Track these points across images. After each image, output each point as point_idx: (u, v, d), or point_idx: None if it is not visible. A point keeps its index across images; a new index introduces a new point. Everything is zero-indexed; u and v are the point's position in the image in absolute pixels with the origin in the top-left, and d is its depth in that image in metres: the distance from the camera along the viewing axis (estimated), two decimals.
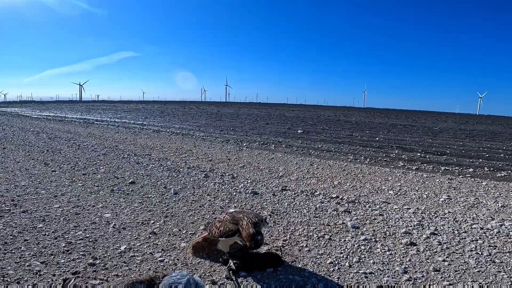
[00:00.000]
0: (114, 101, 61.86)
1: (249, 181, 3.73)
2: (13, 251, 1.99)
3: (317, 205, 2.99)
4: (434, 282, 1.82)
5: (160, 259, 2.01)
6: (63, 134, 6.30)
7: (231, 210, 2.22)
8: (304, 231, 2.47)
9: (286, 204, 3.04)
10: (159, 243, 2.24)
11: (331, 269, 1.97)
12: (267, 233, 2.45)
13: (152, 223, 2.56)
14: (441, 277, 1.86)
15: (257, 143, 5.73)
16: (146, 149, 4.95)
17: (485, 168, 4.73)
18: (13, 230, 2.29)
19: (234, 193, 3.32)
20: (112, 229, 2.41)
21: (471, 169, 4.62)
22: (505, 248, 2.18)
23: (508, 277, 1.83)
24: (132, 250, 2.11)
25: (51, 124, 10.94)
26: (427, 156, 5.48)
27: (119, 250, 2.09)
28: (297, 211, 2.86)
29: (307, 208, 2.94)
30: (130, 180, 3.64)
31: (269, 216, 2.74)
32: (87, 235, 2.29)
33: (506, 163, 5.16)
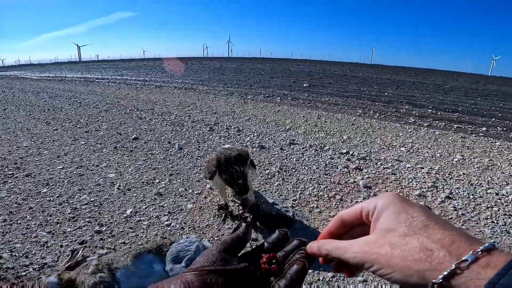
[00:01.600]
0: (114, 60, 58.68)
1: (255, 134, 3.48)
2: (19, 222, 1.85)
3: (327, 161, 2.76)
4: None
5: (166, 223, 1.86)
6: (63, 93, 5.87)
7: (224, 147, 1.99)
8: (314, 190, 2.27)
9: (294, 159, 2.81)
10: (165, 205, 2.08)
11: None
12: (276, 191, 2.24)
13: (157, 183, 2.38)
14: None
15: (262, 95, 5.34)
16: (149, 103, 4.62)
17: (498, 128, 4.40)
18: (18, 197, 2.13)
19: (240, 147, 3.06)
20: (117, 191, 2.24)
21: (484, 128, 4.29)
22: None
23: None
24: (138, 213, 1.97)
25: (51, 84, 10.21)
26: (439, 113, 5.11)
27: (125, 215, 1.94)
28: (306, 168, 2.64)
29: (316, 164, 2.71)
30: (133, 136, 3.40)
31: (277, 173, 2.53)
32: (92, 199, 2.13)
33: None
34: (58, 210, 1.97)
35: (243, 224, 0.44)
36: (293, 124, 3.94)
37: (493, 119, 4.99)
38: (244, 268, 0.38)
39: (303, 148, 3.09)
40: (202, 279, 0.37)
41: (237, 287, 0.37)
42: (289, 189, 2.28)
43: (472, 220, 1.95)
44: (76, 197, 2.16)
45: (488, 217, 1.99)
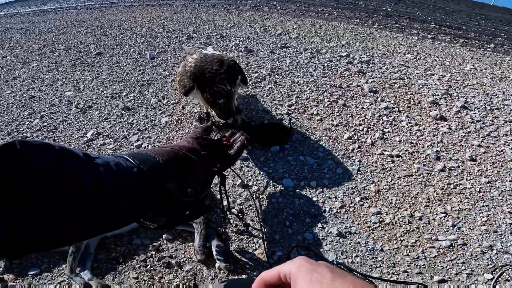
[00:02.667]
0: None
1: (241, 39, 2.83)
2: None
3: (325, 64, 2.25)
4: (471, 177, 1.34)
5: (136, 144, 1.45)
6: (14, 25, 4.56)
7: (205, 52, 1.43)
8: (313, 93, 1.82)
9: (287, 62, 2.28)
10: (135, 121, 1.62)
11: (350, 148, 1.44)
12: (267, 96, 1.78)
13: (125, 96, 1.86)
14: (478, 171, 1.38)
15: (248, 5, 4.43)
16: (116, 22, 3.64)
17: (505, 46, 3.92)
18: None
19: (224, 52, 2.49)
20: (75, 110, 1.74)
21: (492, 45, 3.81)
22: None
23: None
24: (101, 135, 1.53)
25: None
26: (442, 29, 4.50)
27: (86, 138, 1.50)
28: (302, 70, 2.14)
29: (313, 66, 2.20)
30: (96, 52, 2.64)
31: (268, 75, 2.02)
32: (45, 123, 1.66)
33: None
34: (7, 142, 1.44)
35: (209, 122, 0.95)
36: (284, 30, 3.26)
37: (500, 38, 4.46)
38: (219, 138, 0.79)
39: (296, 51, 2.52)
40: (197, 142, 0.68)
41: (215, 148, 0.72)
42: (283, 92, 1.81)
43: (491, 136, 1.61)
44: (27, 123, 1.67)
45: (508, 133, 1.65)
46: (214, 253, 0.96)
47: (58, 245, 0.38)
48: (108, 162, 0.45)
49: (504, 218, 1.16)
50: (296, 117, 1.60)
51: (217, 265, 0.95)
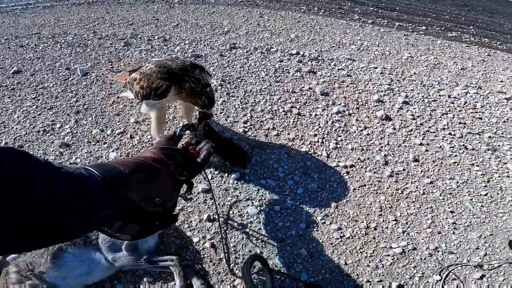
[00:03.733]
0: None
1: (187, 41, 2.59)
2: None
3: (276, 65, 2.20)
4: (415, 179, 1.45)
5: None
6: None
7: (155, 60, 1.31)
8: (267, 103, 1.78)
9: (238, 66, 2.18)
10: (78, 159, 1.44)
11: (308, 164, 1.44)
12: (221, 112, 1.70)
13: (59, 128, 1.61)
14: (421, 171, 1.49)
15: None
16: (33, 28, 2.95)
17: (435, 27, 4.19)
18: None
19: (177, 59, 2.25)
20: None
21: (423, 27, 4.03)
22: (474, 127, 1.84)
23: (482, 174, 1.51)
24: None
25: None
26: (380, 11, 4.66)
27: None
28: (254, 75, 2.07)
29: (265, 70, 2.14)
30: (13, 69, 2.14)
31: (219, 86, 1.91)
32: None
33: (453, 24, 4.67)
34: None
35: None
36: (232, 25, 3.09)
37: (429, 19, 4.74)
38: (185, 147, 0.78)
39: (247, 51, 2.42)
40: (162, 152, 0.66)
41: (181, 157, 0.70)
42: (237, 106, 1.74)
43: (430, 132, 1.73)
44: None
45: (445, 127, 1.79)
46: None
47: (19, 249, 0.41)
48: (72, 171, 0.46)
49: (446, 218, 1.27)
50: (253, 134, 1.56)
51: None
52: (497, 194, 1.40)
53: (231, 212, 1.22)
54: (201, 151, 0.81)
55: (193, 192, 1.26)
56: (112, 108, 1.75)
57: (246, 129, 1.58)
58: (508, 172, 1.52)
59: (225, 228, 1.18)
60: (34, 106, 1.77)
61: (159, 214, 0.60)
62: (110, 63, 2.23)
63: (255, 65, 2.21)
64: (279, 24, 3.21)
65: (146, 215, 0.57)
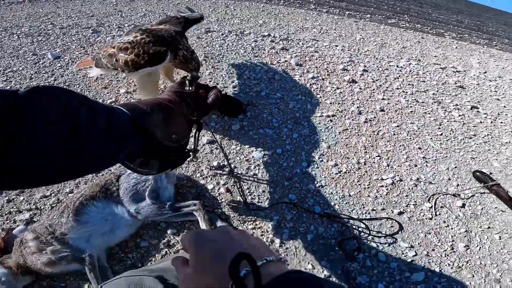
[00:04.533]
0: None
1: None
2: None
3: (252, 45, 2.34)
4: (385, 124, 1.69)
5: None
6: None
7: (137, 29, 1.34)
8: (251, 72, 1.90)
9: (217, 46, 2.27)
10: None
11: (297, 115, 1.63)
12: (210, 80, 1.79)
13: None
14: (388, 118, 1.74)
15: None
16: None
17: (377, 15, 4.68)
18: None
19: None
20: None
21: (368, 15, 4.50)
22: (420, 87, 2.17)
23: (434, 119, 1.81)
24: None
25: None
26: (331, 2, 5.05)
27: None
28: (234, 52, 2.18)
29: (243, 48, 2.27)
30: None
31: (204, 61, 2.00)
32: None
33: (391, 13, 5.27)
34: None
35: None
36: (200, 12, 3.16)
37: (372, 8, 5.27)
38: (196, 90, 0.81)
39: (222, 34, 2.52)
40: (176, 94, 0.71)
41: (192, 99, 0.76)
42: (223, 75, 1.84)
43: (388, 90, 2.01)
44: None
45: (399, 87, 2.09)
46: None
47: (50, 180, 0.41)
48: (106, 106, 0.48)
49: (417, 153, 1.51)
50: (243, 96, 1.68)
51: None
52: (450, 134, 1.70)
53: (238, 158, 1.32)
54: (209, 95, 0.86)
55: (199, 144, 1.34)
56: (97, 83, 1.71)
57: (237, 92, 1.70)
58: (454, 117, 1.85)
59: (235, 172, 1.25)
60: (8, 87, 1.67)
61: (175, 149, 0.64)
62: (83, 48, 2.16)
63: (232, 44, 2.33)
64: (246, 13, 3.35)
65: (164, 150, 0.59)
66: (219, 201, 1.14)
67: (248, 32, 2.61)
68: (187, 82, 0.86)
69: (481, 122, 1.84)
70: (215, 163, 1.27)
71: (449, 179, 1.41)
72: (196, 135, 0.83)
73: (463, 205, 1.29)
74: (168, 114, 0.63)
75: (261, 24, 2.94)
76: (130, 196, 0.97)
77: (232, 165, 1.28)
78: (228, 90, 1.71)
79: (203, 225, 0.98)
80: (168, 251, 0.97)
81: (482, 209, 1.29)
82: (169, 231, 1.02)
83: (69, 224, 0.87)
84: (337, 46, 2.62)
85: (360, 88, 1.95)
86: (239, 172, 1.26)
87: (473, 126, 1.78)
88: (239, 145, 1.38)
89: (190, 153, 0.73)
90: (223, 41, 2.38)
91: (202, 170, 1.25)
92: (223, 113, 1.47)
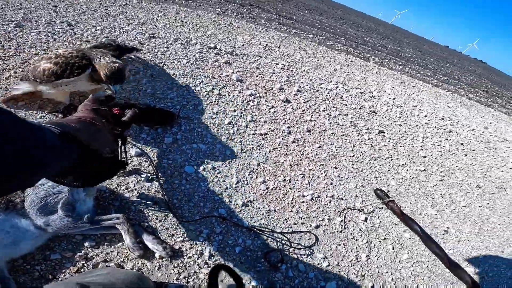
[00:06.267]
0: None
1: (98, 28, 2.32)
2: None
3: (196, 55, 2.30)
4: (309, 144, 1.80)
5: None
6: None
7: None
8: (191, 84, 1.87)
9: (159, 53, 2.17)
10: None
11: (231, 131, 1.62)
12: (146, 89, 1.71)
13: None
14: (313, 139, 1.86)
15: None
16: None
17: (319, 36, 5.00)
18: None
19: (79, 43, 2.00)
20: None
21: (311, 35, 4.77)
22: (342, 110, 2.37)
23: (349, 141, 1.99)
24: None
25: None
26: (281, 19, 5.23)
27: None
28: (176, 62, 2.11)
29: (186, 58, 2.21)
30: None
31: (142, 68, 1.90)
32: None
33: (331, 35, 5.66)
34: None
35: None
36: (148, 18, 2.95)
37: (316, 29, 5.62)
38: (111, 108, 0.78)
39: (167, 41, 2.41)
40: (93, 112, 0.68)
41: (110, 116, 0.73)
42: (162, 86, 1.77)
43: (316, 112, 2.16)
44: None
45: (325, 109, 2.25)
46: (150, 245, 0.96)
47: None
48: (33, 123, 0.45)
49: (333, 173, 1.64)
50: (180, 108, 1.64)
51: (157, 255, 0.96)
52: (360, 155, 1.89)
53: (169, 171, 1.27)
54: (126, 112, 0.84)
55: (127, 157, 1.28)
56: (9, 81, 1.47)
57: (174, 104, 1.64)
58: (365, 140, 2.07)
59: (164, 186, 1.20)
60: None
61: (111, 160, 0.66)
62: (0, 43, 1.86)
63: (176, 53, 2.24)
64: (196, 22, 3.26)
65: (100, 161, 0.61)
66: (146, 214, 1.09)
67: (194, 42, 2.55)
68: (103, 100, 0.83)
69: (385, 145, 2.11)
70: (143, 176, 1.23)
71: (357, 196, 1.57)
72: (122, 148, 0.82)
73: (366, 219, 1.44)
74: (95, 129, 0.64)
75: (209, 35, 2.90)
76: (37, 208, 0.90)
77: (163, 178, 1.24)
78: (165, 101, 1.65)
79: (126, 239, 0.94)
80: (85, 264, 0.91)
81: (380, 222, 1.46)
82: (86, 244, 0.95)
83: None
84: (278, 64, 2.73)
85: (292, 108, 2.07)
86: (170, 185, 1.23)
87: (379, 149, 2.03)
88: (171, 158, 1.34)
89: (127, 163, 0.74)
90: (167, 49, 2.28)
91: (127, 183, 1.19)
92: (153, 124, 1.43)
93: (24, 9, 2.39)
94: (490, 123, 3.82)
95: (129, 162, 1.25)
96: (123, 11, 2.95)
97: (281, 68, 2.68)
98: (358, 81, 3.21)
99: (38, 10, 2.43)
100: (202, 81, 1.95)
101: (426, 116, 3.01)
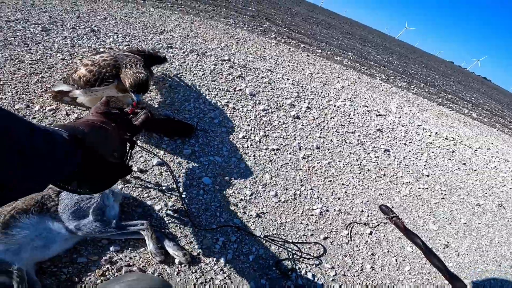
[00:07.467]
0: None
1: (119, 35, 2.44)
2: None
3: (212, 68, 2.40)
4: (319, 160, 1.87)
5: None
6: None
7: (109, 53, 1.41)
8: (207, 97, 1.95)
9: (177, 63, 2.27)
10: None
11: (245, 145, 1.69)
12: (166, 100, 1.79)
13: None
14: (321, 155, 1.93)
15: None
16: None
17: (327, 51, 5.12)
18: None
19: (102, 49, 2.10)
20: None
21: (319, 50, 4.89)
22: (349, 128, 2.44)
23: (356, 159, 2.06)
24: None
25: None
26: (290, 33, 5.37)
27: None
28: (193, 73, 2.20)
29: (202, 70, 2.30)
30: None
31: (161, 79, 1.99)
32: None
33: (339, 50, 5.78)
34: None
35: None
36: (165, 27, 3.06)
37: (324, 43, 5.74)
38: (125, 111, 0.81)
39: (183, 52, 2.52)
40: (104, 116, 0.68)
41: (121, 120, 0.72)
42: (180, 97, 1.86)
43: (325, 129, 2.23)
44: None
45: (333, 126, 2.32)
46: (171, 251, 1.00)
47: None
48: (43, 128, 0.46)
49: (341, 188, 1.70)
50: (197, 121, 1.71)
51: (177, 260, 1.00)
52: (366, 173, 1.95)
53: (187, 182, 1.34)
54: (139, 115, 0.87)
55: (147, 166, 1.35)
56: (37, 86, 1.54)
57: (191, 116, 1.72)
58: (371, 158, 2.14)
59: (183, 195, 1.26)
60: None
61: (117, 165, 0.66)
62: (27, 45, 1.96)
63: (192, 65, 2.34)
64: (210, 33, 3.38)
65: (106, 166, 0.60)
66: (166, 221, 1.14)
67: (209, 54, 2.65)
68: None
69: (390, 163, 2.18)
70: (164, 185, 1.30)
71: (362, 211, 1.63)
72: (129, 152, 0.82)
73: (371, 233, 1.51)
74: (104, 134, 0.63)
75: (223, 47, 3.01)
76: (70, 212, 0.93)
77: (182, 188, 1.31)
78: (183, 113, 1.74)
79: (150, 244, 0.99)
80: (110, 267, 0.95)
81: (384, 236, 1.53)
82: (111, 248, 0.99)
83: None
84: (289, 79, 2.82)
85: (303, 125, 2.15)
86: (188, 194, 1.29)
87: (384, 167, 2.10)
88: (190, 169, 1.42)
89: (132, 168, 0.73)
90: (184, 59, 2.38)
91: (149, 191, 1.26)
92: (173, 135, 1.50)
93: (49, 12, 2.51)
94: (492, 143, 3.88)
95: (149, 171, 1.32)
96: (141, 19, 3.08)
97: (292, 83, 2.77)
98: (365, 98, 3.29)
99: (62, 14, 2.55)
100: (217, 94, 2.04)
101: (430, 135, 3.08)
